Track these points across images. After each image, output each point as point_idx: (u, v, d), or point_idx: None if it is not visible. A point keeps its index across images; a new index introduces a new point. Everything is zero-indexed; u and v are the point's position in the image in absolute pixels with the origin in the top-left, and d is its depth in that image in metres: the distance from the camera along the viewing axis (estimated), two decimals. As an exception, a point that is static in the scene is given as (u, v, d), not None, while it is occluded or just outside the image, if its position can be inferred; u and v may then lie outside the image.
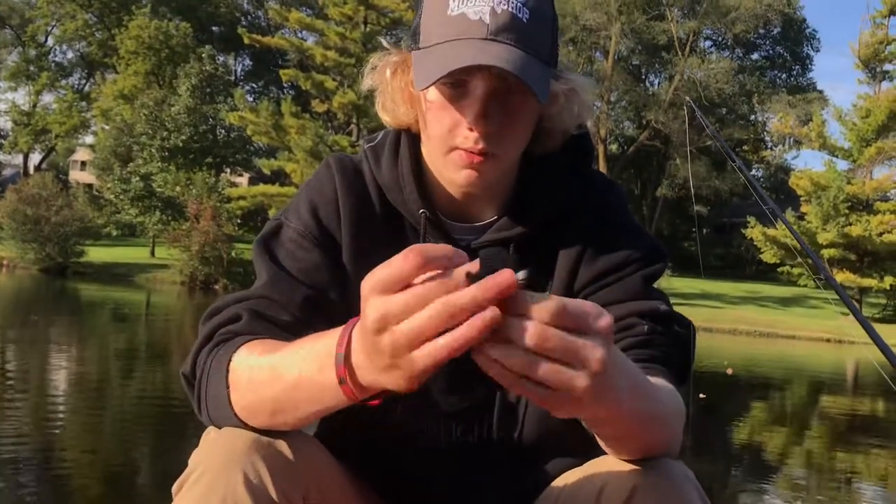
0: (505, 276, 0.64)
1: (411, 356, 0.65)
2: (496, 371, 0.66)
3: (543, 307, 0.65)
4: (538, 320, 0.64)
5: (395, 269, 0.65)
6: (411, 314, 0.64)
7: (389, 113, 1.09)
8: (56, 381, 8.04)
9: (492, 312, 0.63)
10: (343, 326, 0.76)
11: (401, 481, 1.12)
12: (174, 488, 0.89)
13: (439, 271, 0.65)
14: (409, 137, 1.10)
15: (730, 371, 11.56)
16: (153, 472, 4.77)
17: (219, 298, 1.06)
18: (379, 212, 1.10)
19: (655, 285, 1.11)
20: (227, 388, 0.90)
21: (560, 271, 1.08)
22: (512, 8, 0.94)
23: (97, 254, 32.90)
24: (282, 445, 0.88)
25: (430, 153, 1.06)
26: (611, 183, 1.17)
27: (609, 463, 0.93)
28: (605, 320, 0.68)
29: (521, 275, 0.65)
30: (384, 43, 1.09)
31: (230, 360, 0.90)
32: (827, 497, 5.48)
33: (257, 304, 1.01)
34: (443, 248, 0.66)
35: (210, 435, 0.92)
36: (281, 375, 0.83)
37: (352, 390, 0.75)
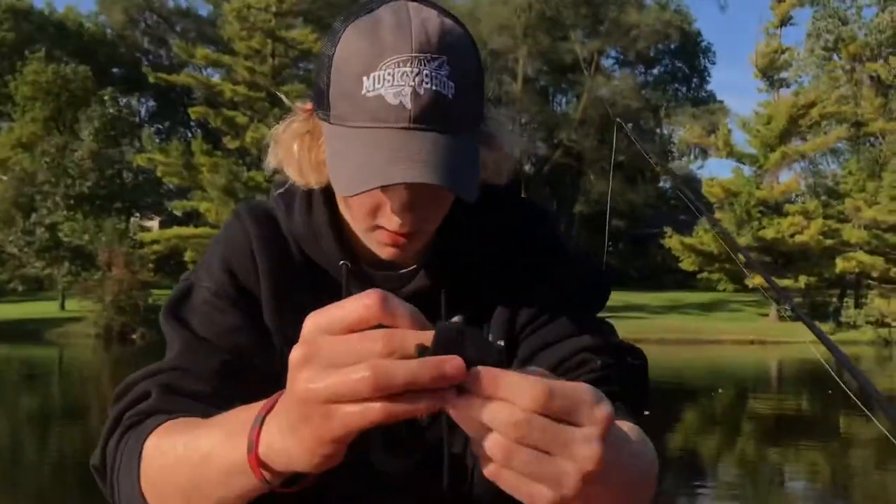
0: (453, 365, 0.55)
1: (328, 408, 0.57)
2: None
3: (526, 391, 0.55)
4: (520, 406, 0.55)
5: (349, 311, 0.58)
6: (339, 365, 0.56)
7: (300, 179, 0.97)
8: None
9: (439, 401, 0.56)
10: (259, 406, 0.67)
11: None
12: None
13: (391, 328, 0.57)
14: (323, 189, 0.98)
15: None
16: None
17: (128, 376, 0.94)
18: (299, 259, 1.01)
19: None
20: (139, 480, 0.80)
21: (497, 314, 1.00)
22: (436, 85, 0.83)
23: (2, 311, 31.40)
24: None
25: (352, 224, 0.96)
26: (542, 211, 1.08)
27: None
28: (602, 410, 0.58)
29: (458, 318, 0.60)
30: (285, 100, 1.04)
31: (142, 449, 0.81)
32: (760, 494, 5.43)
33: (169, 377, 0.92)
34: (408, 306, 0.58)
35: None
36: (191, 455, 0.74)
37: (258, 464, 0.66)
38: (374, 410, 0.55)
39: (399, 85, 0.82)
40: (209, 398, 0.89)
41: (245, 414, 0.69)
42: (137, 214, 38.18)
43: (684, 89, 54.29)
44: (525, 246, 1.02)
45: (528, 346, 0.98)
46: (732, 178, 33.97)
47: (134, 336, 27.76)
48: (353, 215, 0.94)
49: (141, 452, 0.81)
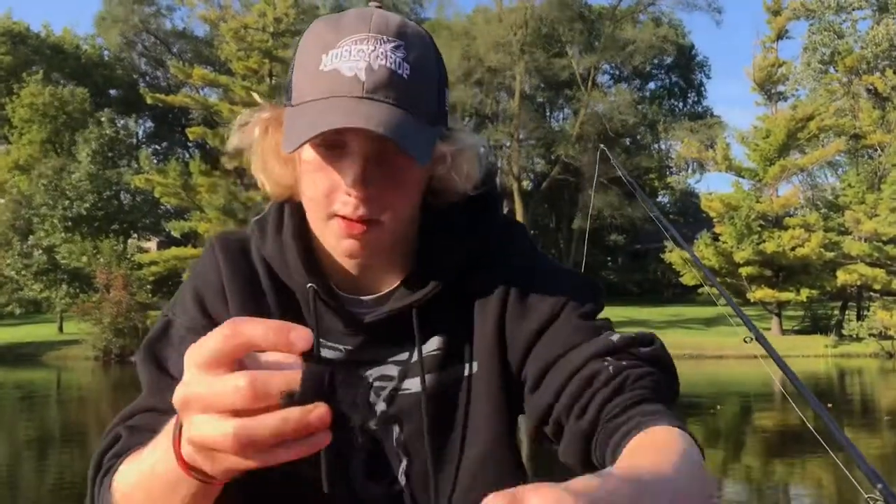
0: (317, 415, 0.57)
1: (210, 454, 0.62)
2: None
3: None
4: None
5: (210, 346, 0.59)
6: (211, 411, 0.59)
7: (265, 174, 0.99)
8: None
9: (311, 447, 0.59)
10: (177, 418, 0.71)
11: None
12: None
13: (268, 357, 0.59)
14: (293, 206, 1.01)
15: None
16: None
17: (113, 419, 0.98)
18: (270, 288, 1.01)
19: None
20: None
21: (481, 339, 0.98)
22: (390, 64, 0.87)
23: (1, 335, 31.23)
24: None
25: (311, 220, 0.96)
26: (517, 225, 1.07)
27: None
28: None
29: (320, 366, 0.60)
30: (257, 97, 1.02)
31: (111, 486, 0.84)
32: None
33: (139, 418, 0.94)
34: (267, 328, 0.59)
35: None
36: (142, 476, 0.78)
37: (187, 468, 0.68)
38: (249, 461, 0.59)
39: (355, 59, 0.86)
40: None
41: (169, 426, 0.71)
42: (135, 235, 38.08)
43: (681, 104, 54.41)
44: (504, 261, 1.01)
45: (535, 366, 0.95)
46: (732, 193, 33.92)
47: (132, 358, 27.54)
48: (312, 204, 0.92)
49: (111, 488, 0.83)
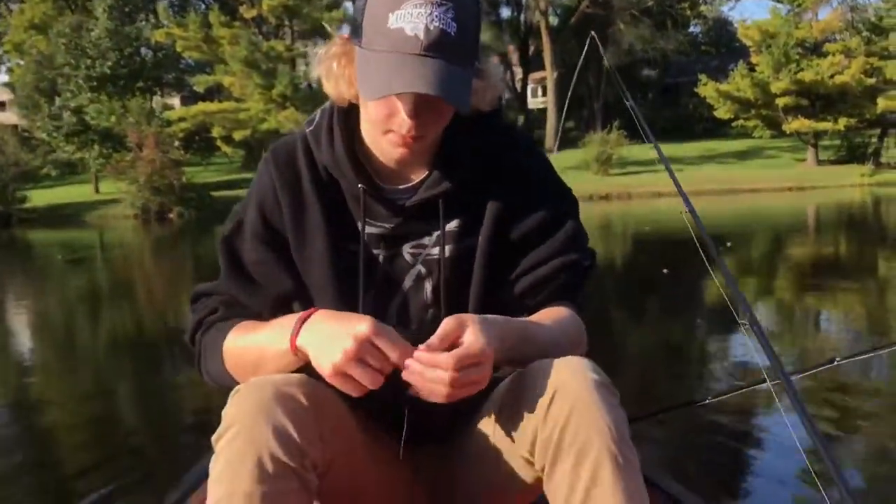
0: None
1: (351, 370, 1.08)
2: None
3: (447, 363, 1.07)
4: (449, 370, 1.06)
5: (382, 357, 1.08)
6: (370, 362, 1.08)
7: (335, 91, 1.29)
8: (21, 336, 7.62)
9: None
10: (298, 317, 1.16)
11: (374, 403, 1.29)
12: (214, 440, 1.09)
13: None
14: (342, 116, 1.32)
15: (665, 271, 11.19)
16: (144, 412, 4.45)
17: (198, 287, 1.39)
18: (317, 190, 1.32)
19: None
20: (223, 360, 1.29)
21: (488, 222, 1.31)
22: (442, 24, 1.12)
23: (40, 197, 31.82)
24: (298, 395, 1.11)
25: (370, 129, 1.28)
26: (529, 140, 1.42)
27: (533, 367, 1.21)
28: (468, 342, 1.10)
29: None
30: (328, 29, 1.26)
31: (224, 341, 1.29)
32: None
33: (229, 300, 1.35)
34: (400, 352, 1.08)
35: (239, 393, 1.12)
36: (256, 344, 1.22)
37: (295, 350, 1.14)
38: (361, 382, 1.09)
39: (415, 21, 1.11)
40: (258, 316, 1.31)
41: (287, 321, 1.17)
42: (159, 93, 37.74)
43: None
44: (517, 166, 1.34)
45: (524, 263, 1.33)
46: (769, 19, 32.44)
47: (171, 215, 28.05)
48: (372, 121, 1.23)
49: (223, 344, 1.28)
